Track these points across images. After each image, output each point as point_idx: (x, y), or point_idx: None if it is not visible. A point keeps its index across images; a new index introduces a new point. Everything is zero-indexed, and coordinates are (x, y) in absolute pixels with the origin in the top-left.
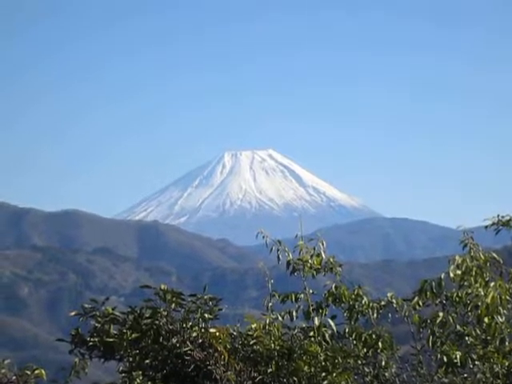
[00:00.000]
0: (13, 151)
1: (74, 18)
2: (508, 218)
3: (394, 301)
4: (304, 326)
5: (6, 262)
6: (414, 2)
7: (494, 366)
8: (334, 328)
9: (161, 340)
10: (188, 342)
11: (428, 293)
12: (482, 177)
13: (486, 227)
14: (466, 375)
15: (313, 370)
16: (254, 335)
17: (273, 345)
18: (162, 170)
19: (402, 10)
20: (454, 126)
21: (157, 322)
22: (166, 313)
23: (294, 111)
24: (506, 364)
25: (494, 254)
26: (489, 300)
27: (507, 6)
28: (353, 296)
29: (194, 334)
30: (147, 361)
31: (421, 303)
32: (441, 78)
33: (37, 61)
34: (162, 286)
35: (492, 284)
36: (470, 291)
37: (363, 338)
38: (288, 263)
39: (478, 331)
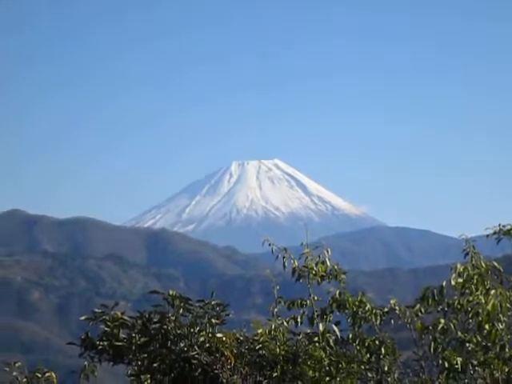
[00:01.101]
0: (25, 159)
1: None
2: (509, 227)
3: (396, 307)
4: (308, 331)
5: (17, 267)
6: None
7: (494, 371)
8: (338, 334)
9: (169, 344)
10: (195, 347)
11: (430, 300)
12: (484, 187)
13: (488, 236)
14: (466, 381)
15: (317, 374)
16: (260, 340)
17: (278, 350)
18: (171, 179)
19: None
20: (455, 137)
21: (165, 327)
22: (174, 318)
23: (300, 121)
24: (506, 370)
25: (495, 263)
26: (489, 307)
27: None
28: (356, 303)
29: (202, 339)
30: (155, 364)
31: (423, 310)
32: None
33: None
34: (171, 292)
35: (493, 292)
36: (471, 299)
37: (366, 344)
38: (293, 270)
39: (479, 338)
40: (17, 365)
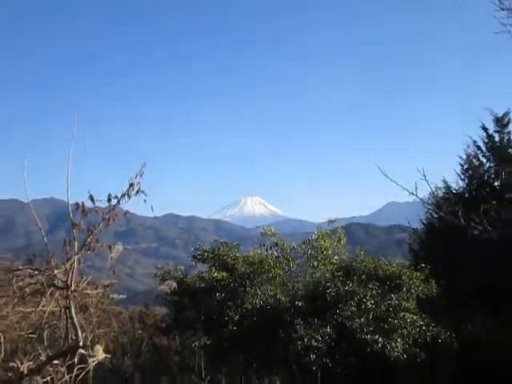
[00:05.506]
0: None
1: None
2: (333, 219)
3: (295, 246)
4: (269, 253)
5: (173, 233)
6: None
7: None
8: (276, 254)
9: (222, 257)
10: (230, 259)
11: (306, 244)
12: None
13: (327, 221)
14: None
15: (269, 267)
16: (251, 256)
17: (257, 259)
18: (221, 200)
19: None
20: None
21: (220, 252)
22: (222, 248)
23: (261, 178)
24: (333, 267)
25: (328, 232)
26: (326, 245)
27: None
28: (283, 244)
29: (232, 256)
30: (217, 264)
31: (304, 247)
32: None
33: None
34: (222, 241)
35: (327, 240)
36: (320, 243)
37: (286, 258)
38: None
39: (323, 256)
40: (171, 264)
